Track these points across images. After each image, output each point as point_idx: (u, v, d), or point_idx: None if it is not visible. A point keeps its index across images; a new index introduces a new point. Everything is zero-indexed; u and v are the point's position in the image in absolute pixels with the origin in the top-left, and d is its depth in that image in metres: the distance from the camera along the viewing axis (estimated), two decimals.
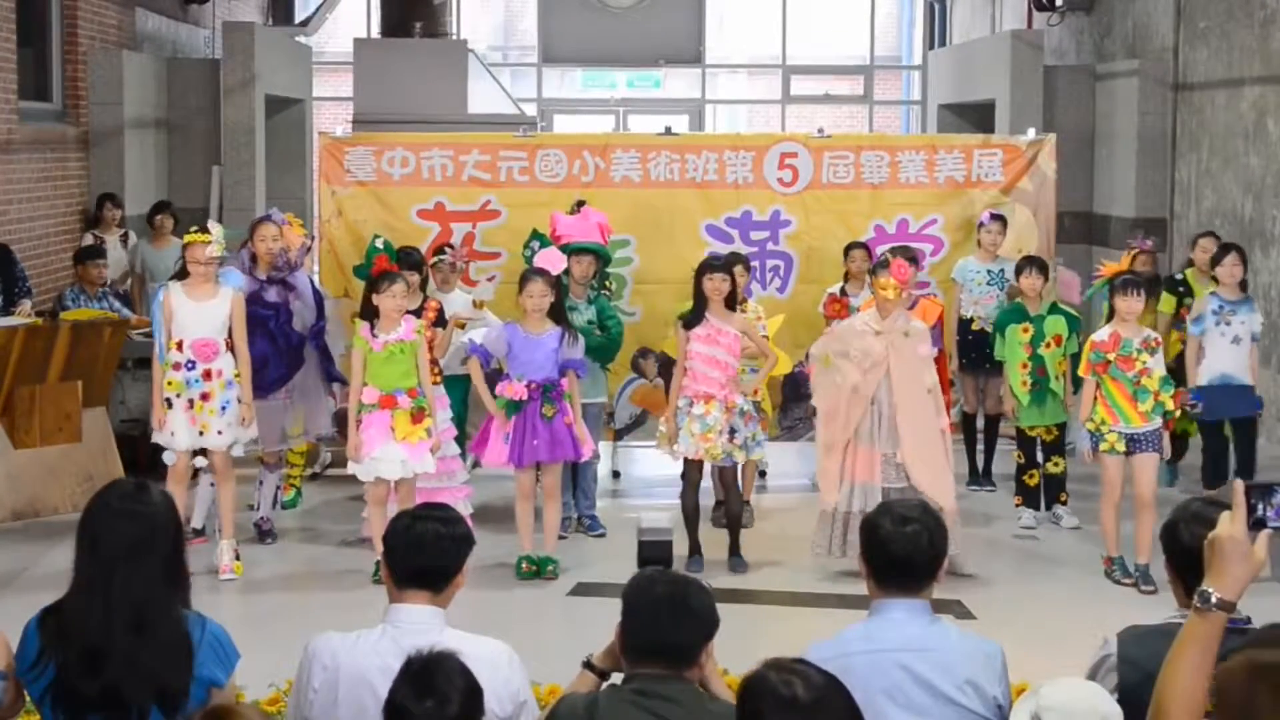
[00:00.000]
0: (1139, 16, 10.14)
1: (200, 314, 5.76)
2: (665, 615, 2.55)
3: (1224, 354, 6.56)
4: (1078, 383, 6.24)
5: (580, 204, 6.89)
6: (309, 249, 6.57)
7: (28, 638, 2.64)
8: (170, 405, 5.72)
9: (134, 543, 2.57)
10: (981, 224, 7.37)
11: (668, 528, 5.69)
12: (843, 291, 7.15)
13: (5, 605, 5.00)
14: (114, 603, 2.54)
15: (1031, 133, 8.01)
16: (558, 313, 5.89)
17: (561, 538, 6.16)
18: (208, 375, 5.73)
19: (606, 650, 2.73)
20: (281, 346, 6.16)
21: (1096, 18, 10.99)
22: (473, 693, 2.36)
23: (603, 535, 6.50)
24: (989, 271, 7.28)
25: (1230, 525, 2.14)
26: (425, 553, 2.81)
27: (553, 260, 6.07)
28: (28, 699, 2.71)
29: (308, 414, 6.47)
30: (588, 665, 2.76)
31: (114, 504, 2.63)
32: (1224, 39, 8.85)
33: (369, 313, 5.69)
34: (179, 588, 2.65)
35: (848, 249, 7.18)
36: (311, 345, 6.38)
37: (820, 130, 7.93)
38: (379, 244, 5.96)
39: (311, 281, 6.54)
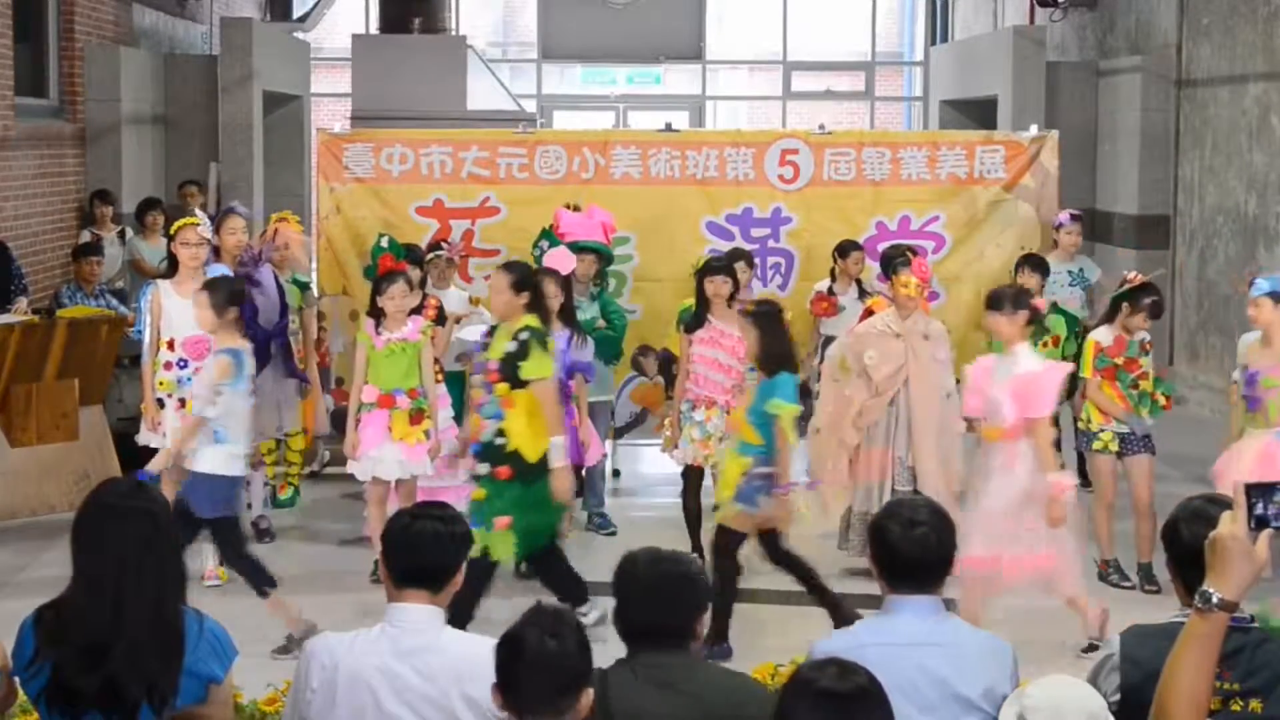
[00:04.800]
0: (1142, 12, 10.10)
1: (190, 311, 5.66)
2: (656, 598, 2.57)
3: None
4: (1073, 385, 6.21)
5: (575, 208, 6.86)
6: (275, 245, 6.48)
7: (23, 636, 2.62)
8: (162, 405, 5.67)
9: (144, 539, 2.56)
10: (1060, 224, 7.35)
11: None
12: (830, 290, 7.13)
13: (3, 604, 4.98)
14: (127, 600, 2.52)
15: (1034, 129, 7.98)
16: (566, 314, 5.85)
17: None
18: (199, 373, 5.68)
19: None
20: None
21: (1099, 14, 10.95)
22: (586, 646, 2.36)
23: (614, 534, 6.47)
24: (1069, 272, 7.25)
25: (1231, 524, 2.12)
26: (424, 552, 2.79)
27: (562, 260, 6.02)
28: (22, 696, 2.69)
29: (269, 412, 6.37)
30: None
31: (116, 502, 2.61)
32: (1227, 35, 8.82)
33: (377, 312, 5.67)
34: (177, 584, 2.64)
35: (847, 249, 7.15)
36: (276, 343, 6.26)
37: (821, 127, 7.90)
38: (384, 243, 5.91)
39: (275, 278, 6.38)
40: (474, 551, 4.87)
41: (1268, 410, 5.31)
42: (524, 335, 4.97)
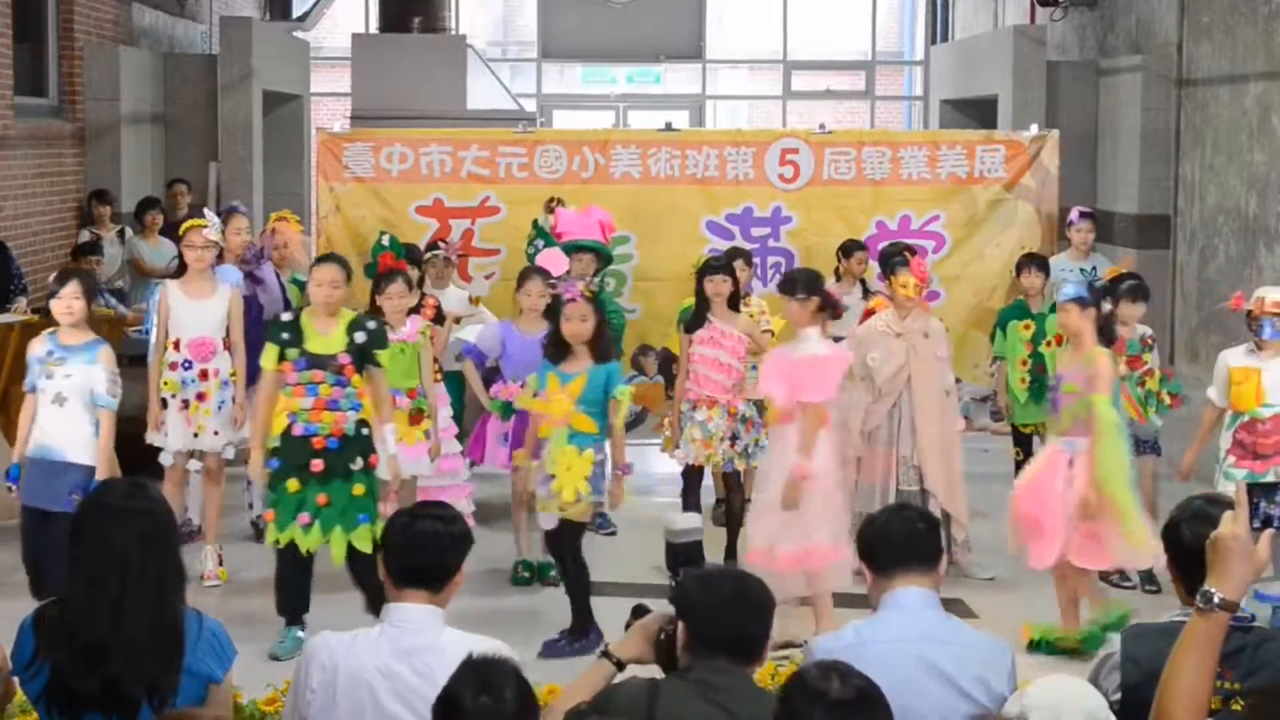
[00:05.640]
0: (1142, 12, 10.09)
1: (198, 312, 5.71)
2: (735, 610, 2.58)
3: None
4: None
5: (558, 202, 6.85)
6: (275, 244, 6.50)
7: (22, 637, 2.62)
8: (165, 405, 5.68)
9: (145, 538, 2.57)
10: (1071, 222, 7.35)
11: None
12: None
13: (2, 604, 4.97)
14: (127, 600, 2.52)
15: (1034, 128, 7.99)
16: (553, 313, 5.85)
17: None
18: (204, 375, 5.69)
19: (626, 641, 2.71)
20: (252, 340, 6.07)
21: (1099, 13, 10.94)
22: (527, 697, 2.32)
23: (614, 533, 6.47)
24: (1081, 270, 7.25)
25: (1232, 525, 2.12)
26: (424, 552, 2.80)
27: (555, 261, 6.03)
28: (21, 695, 2.69)
29: None
30: (605, 654, 2.73)
31: (117, 502, 2.62)
32: (1228, 35, 8.81)
33: (376, 311, 5.67)
34: (177, 585, 2.65)
35: (850, 249, 7.14)
36: None
37: (821, 126, 7.91)
38: (384, 241, 5.92)
39: (277, 275, 6.42)
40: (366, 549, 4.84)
41: (1062, 416, 5.12)
42: (372, 325, 5.07)
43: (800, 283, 5.13)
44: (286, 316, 5.10)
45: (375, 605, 4.94)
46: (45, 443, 5.07)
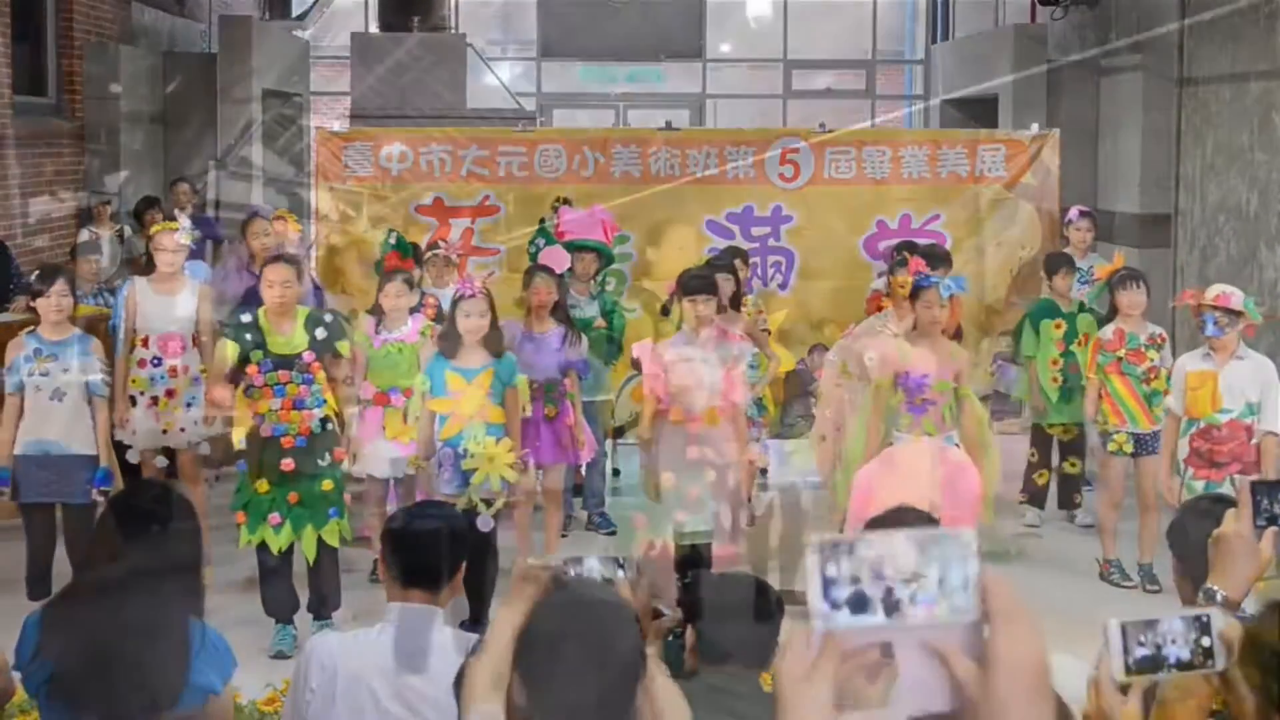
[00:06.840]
0: (1143, 10, 10.08)
1: (165, 308, 5.66)
2: (746, 615, 2.58)
3: None
4: None
5: (564, 202, 6.85)
6: (310, 246, 6.54)
7: (27, 632, 2.62)
8: (134, 402, 5.62)
9: (161, 544, 2.58)
10: (1070, 221, 7.33)
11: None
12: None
13: (4, 604, 4.96)
14: (134, 604, 2.50)
15: (1035, 127, 7.97)
16: (560, 312, 5.85)
17: (562, 536, 6.12)
18: (173, 372, 5.64)
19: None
20: None
21: (1100, 12, 10.93)
22: None
23: (614, 533, 6.47)
24: (1079, 269, 7.23)
25: (1236, 523, 2.10)
26: (424, 552, 2.80)
27: (557, 259, 6.03)
28: (20, 696, 2.68)
29: None
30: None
31: (136, 505, 2.61)
32: (1229, 33, 8.80)
33: (378, 309, 5.67)
34: (193, 594, 2.64)
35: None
36: None
37: (822, 125, 7.90)
38: (391, 239, 5.91)
39: (311, 276, 6.48)
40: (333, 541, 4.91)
41: (942, 414, 5.04)
42: (329, 318, 5.11)
43: (713, 282, 5.24)
44: (245, 317, 5.07)
45: (319, 608, 4.96)
46: (46, 438, 5.05)
